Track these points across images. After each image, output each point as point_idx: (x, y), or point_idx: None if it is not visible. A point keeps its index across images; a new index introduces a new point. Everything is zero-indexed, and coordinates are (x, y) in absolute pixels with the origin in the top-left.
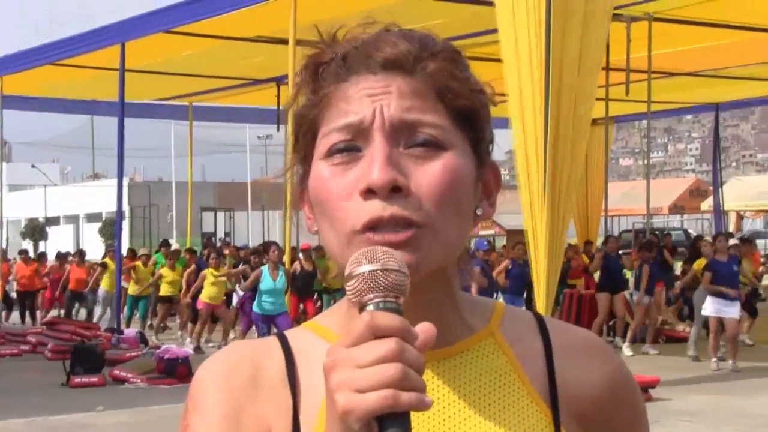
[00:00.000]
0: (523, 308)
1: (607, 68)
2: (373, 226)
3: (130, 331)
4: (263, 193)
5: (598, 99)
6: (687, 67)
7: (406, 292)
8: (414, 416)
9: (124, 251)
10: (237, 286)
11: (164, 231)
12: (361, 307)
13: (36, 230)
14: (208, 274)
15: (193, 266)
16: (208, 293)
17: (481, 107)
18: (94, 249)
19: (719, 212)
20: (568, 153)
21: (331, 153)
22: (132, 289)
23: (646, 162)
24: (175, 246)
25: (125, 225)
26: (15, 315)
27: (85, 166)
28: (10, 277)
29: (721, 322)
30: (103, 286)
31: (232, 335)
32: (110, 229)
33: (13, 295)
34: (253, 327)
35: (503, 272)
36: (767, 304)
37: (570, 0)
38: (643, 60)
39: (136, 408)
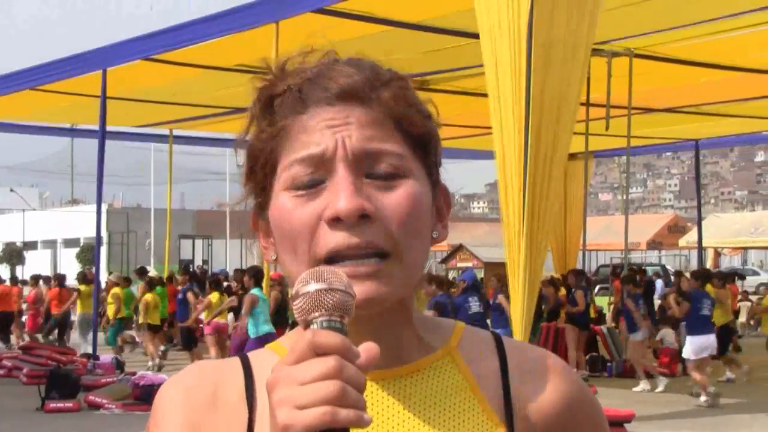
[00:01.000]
0: (484, 330)
1: (588, 103)
2: (337, 255)
3: (106, 357)
4: (242, 222)
5: (577, 133)
6: (667, 103)
7: (351, 312)
8: None
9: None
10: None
11: (142, 257)
12: (307, 325)
13: (13, 254)
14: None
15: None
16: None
17: (434, 133)
18: (72, 274)
19: (701, 249)
20: (546, 187)
21: (296, 187)
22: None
23: (624, 197)
24: (152, 273)
25: (103, 251)
26: None
27: (64, 191)
28: None
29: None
30: (78, 310)
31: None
32: (88, 255)
33: None
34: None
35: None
36: (747, 339)
37: (551, 34)
38: (624, 95)
39: None
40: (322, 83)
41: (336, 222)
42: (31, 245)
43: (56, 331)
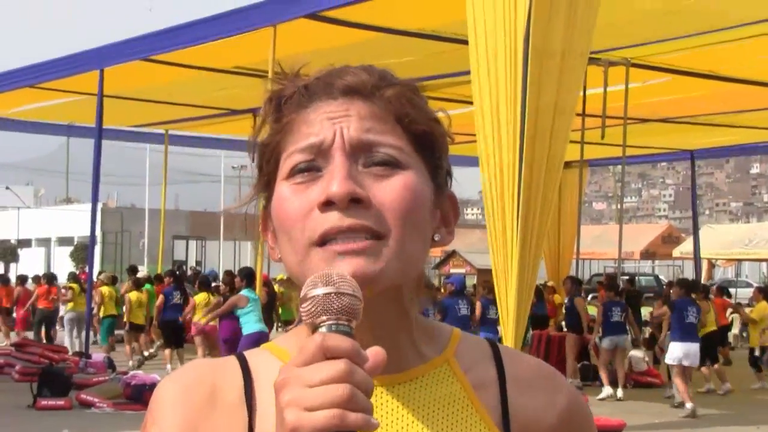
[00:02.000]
0: (478, 336)
1: (583, 112)
2: (331, 236)
3: (98, 356)
4: (236, 224)
5: (573, 142)
6: (662, 113)
7: (358, 315)
8: None
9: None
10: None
11: (136, 257)
12: (314, 329)
13: (7, 252)
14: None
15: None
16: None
17: (439, 135)
18: (64, 273)
19: (698, 259)
20: (540, 195)
21: (292, 173)
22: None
23: (619, 206)
24: (143, 272)
25: (97, 250)
26: None
27: (59, 190)
28: None
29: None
30: (69, 308)
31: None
32: (81, 254)
33: None
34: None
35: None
36: (740, 351)
37: (548, 42)
38: (620, 105)
39: None
40: (329, 80)
41: (329, 205)
42: (26, 243)
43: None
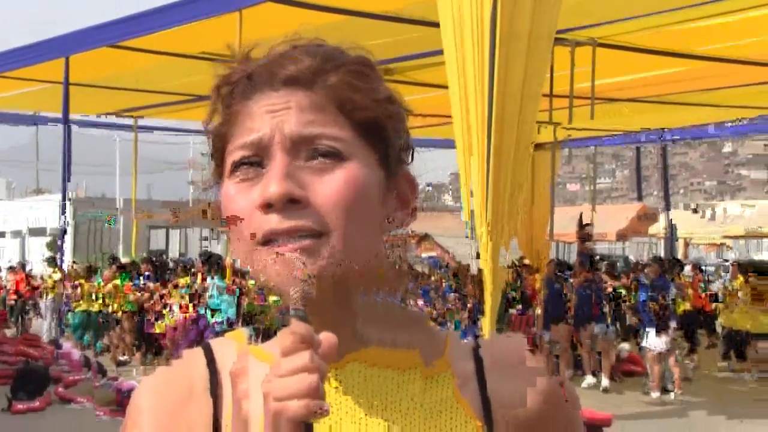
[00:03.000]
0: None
1: (551, 94)
2: (273, 238)
3: (74, 352)
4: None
5: (545, 122)
6: (632, 93)
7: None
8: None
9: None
10: None
11: (111, 246)
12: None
13: None
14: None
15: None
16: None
17: (388, 118)
18: (39, 263)
19: (673, 239)
20: (509, 179)
21: (233, 170)
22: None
23: (592, 188)
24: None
25: (69, 240)
26: None
27: (30, 181)
28: None
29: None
30: (52, 295)
31: None
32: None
33: None
34: None
35: None
36: None
37: (515, 23)
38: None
39: None
40: (272, 69)
41: (267, 207)
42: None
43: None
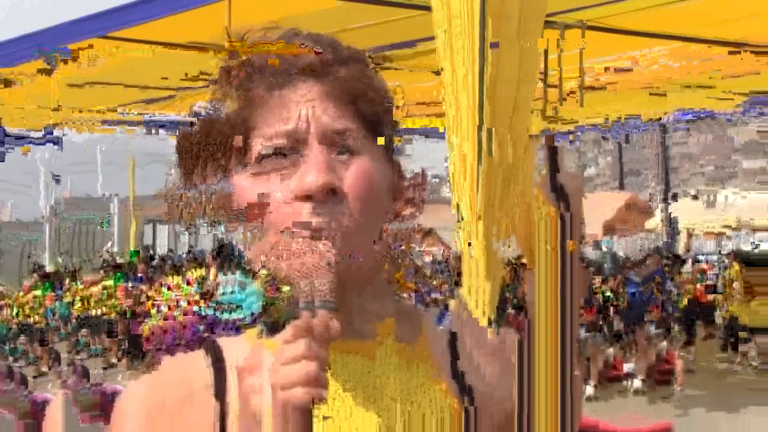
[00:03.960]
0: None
1: (545, 83)
2: (297, 228)
3: None
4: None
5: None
6: (624, 78)
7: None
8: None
9: None
10: None
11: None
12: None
13: None
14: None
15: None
16: None
17: (387, 111)
18: None
19: (674, 229)
20: (501, 168)
21: (260, 158)
22: None
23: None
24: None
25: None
26: None
27: None
28: None
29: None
30: None
31: None
32: None
33: None
34: None
35: None
36: None
37: (505, 6)
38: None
39: None
40: (287, 60)
41: (307, 197)
42: None
43: None
